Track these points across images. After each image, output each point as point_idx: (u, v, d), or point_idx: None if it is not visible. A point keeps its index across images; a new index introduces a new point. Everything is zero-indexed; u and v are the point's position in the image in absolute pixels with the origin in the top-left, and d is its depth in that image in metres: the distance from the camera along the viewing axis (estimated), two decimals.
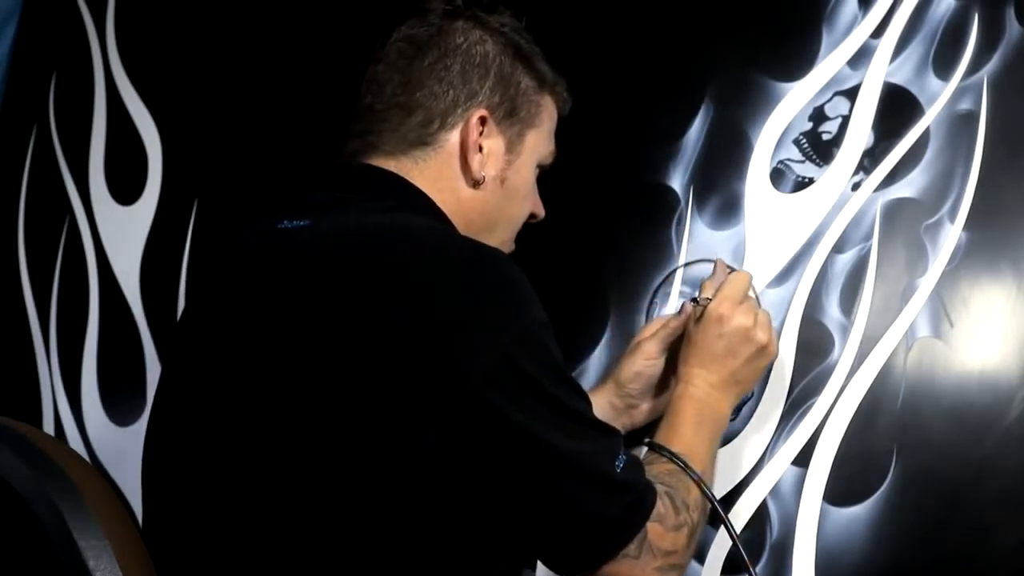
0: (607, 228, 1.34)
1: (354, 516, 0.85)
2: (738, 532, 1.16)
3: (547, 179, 1.14)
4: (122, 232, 1.70)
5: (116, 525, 0.88)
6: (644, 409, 1.20)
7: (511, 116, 1.06)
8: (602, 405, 1.18)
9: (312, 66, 1.57)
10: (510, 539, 0.91)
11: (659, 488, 0.94)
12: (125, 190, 1.71)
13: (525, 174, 1.09)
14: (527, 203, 1.12)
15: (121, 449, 1.62)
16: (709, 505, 1.02)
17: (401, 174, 1.02)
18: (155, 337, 1.64)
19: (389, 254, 0.89)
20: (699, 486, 1.00)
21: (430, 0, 1.08)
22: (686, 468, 1.01)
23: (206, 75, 1.67)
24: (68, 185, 1.76)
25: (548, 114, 1.11)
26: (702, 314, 1.12)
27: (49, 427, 1.69)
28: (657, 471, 0.99)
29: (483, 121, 1.04)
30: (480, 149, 1.04)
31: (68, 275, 1.74)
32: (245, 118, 1.63)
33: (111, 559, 0.83)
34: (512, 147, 1.07)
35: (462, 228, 1.04)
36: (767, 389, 1.22)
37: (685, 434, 1.06)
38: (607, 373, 1.24)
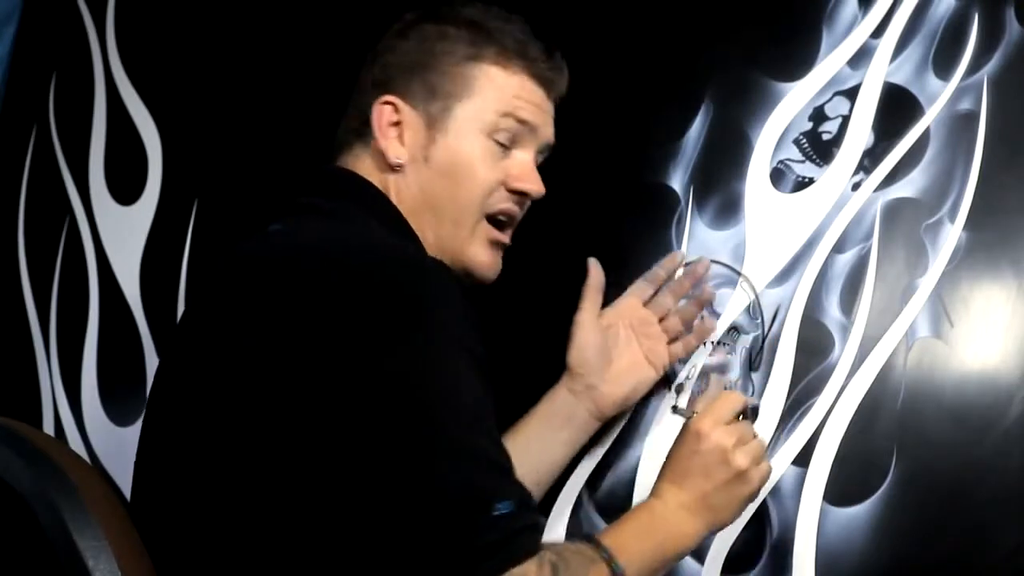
0: (607, 228, 1.34)
1: (302, 512, 0.87)
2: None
3: (547, 178, 1.13)
4: (122, 232, 1.70)
5: (116, 525, 0.88)
6: (605, 392, 1.19)
7: (430, 93, 1.07)
8: (562, 397, 1.19)
9: (312, 66, 1.57)
10: (380, 546, 0.87)
11: (545, 555, 0.87)
12: (125, 190, 1.71)
13: (459, 148, 1.07)
14: (479, 180, 1.07)
15: (121, 449, 1.61)
16: None
17: (356, 170, 1.08)
18: (155, 337, 1.64)
19: (328, 259, 0.93)
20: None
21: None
22: (610, 561, 0.93)
23: (206, 75, 1.67)
24: (68, 185, 1.76)
25: (488, 82, 1.08)
26: (684, 427, 1.06)
27: (49, 427, 1.69)
28: (564, 547, 0.92)
29: (395, 108, 1.07)
30: (395, 134, 1.07)
31: (68, 275, 1.73)
32: (245, 118, 1.63)
33: (111, 559, 0.83)
34: (436, 123, 1.07)
35: (406, 214, 1.06)
36: (767, 389, 1.22)
37: (624, 533, 0.99)
38: None
